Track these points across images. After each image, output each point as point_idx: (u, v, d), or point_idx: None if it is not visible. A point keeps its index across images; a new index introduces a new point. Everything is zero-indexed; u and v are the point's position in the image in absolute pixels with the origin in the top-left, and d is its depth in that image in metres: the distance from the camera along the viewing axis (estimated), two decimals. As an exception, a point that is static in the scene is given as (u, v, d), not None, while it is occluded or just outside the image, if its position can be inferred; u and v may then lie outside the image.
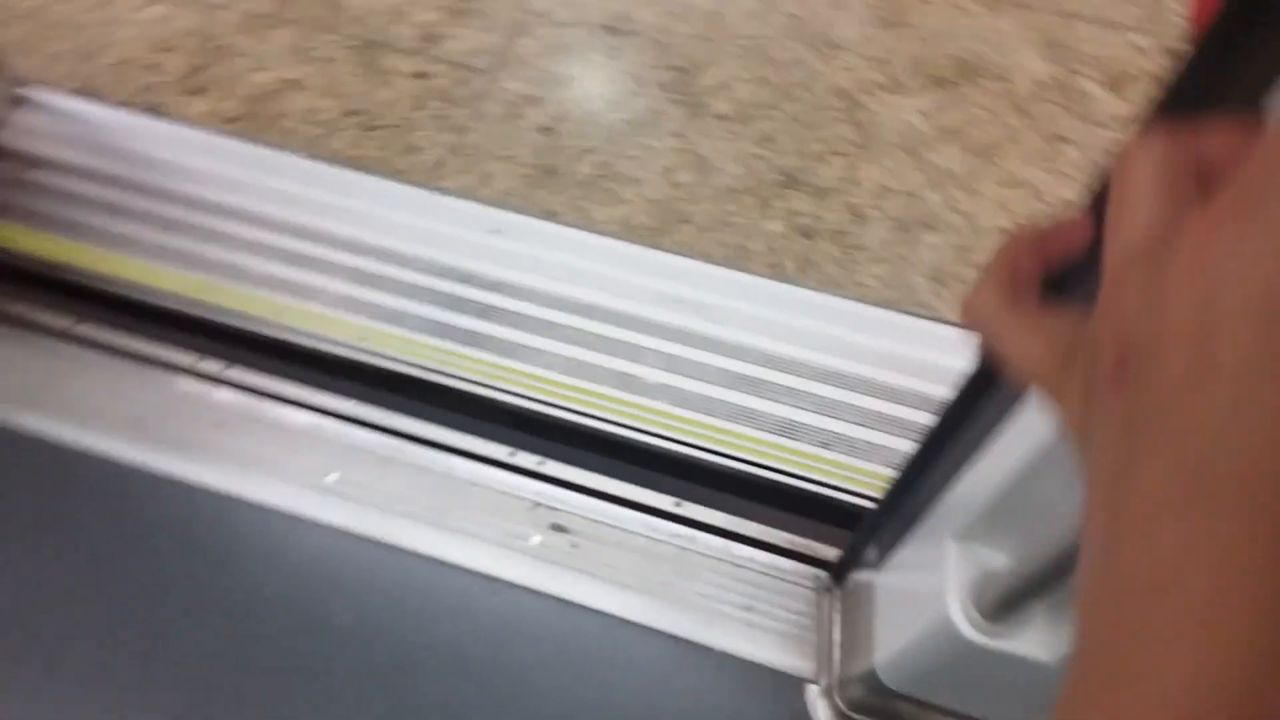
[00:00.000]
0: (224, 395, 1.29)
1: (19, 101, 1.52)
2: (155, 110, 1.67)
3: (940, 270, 1.59)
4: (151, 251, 1.35)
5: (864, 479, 1.26)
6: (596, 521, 1.24)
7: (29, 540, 1.17)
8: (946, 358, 1.36)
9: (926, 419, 1.32)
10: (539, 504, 1.25)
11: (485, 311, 1.34)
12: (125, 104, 1.54)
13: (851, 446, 1.29)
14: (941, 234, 1.63)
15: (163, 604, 1.13)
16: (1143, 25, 1.97)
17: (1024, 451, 0.72)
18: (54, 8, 1.86)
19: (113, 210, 1.39)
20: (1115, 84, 1.87)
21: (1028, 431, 0.72)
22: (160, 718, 1.05)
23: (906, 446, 1.30)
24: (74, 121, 1.51)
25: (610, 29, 1.88)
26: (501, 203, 1.52)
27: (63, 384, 1.29)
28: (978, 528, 0.84)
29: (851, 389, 1.33)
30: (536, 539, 1.21)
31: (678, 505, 1.26)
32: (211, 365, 1.31)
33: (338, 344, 1.30)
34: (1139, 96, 1.85)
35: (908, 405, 1.32)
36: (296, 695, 1.06)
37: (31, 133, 1.49)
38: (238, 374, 1.31)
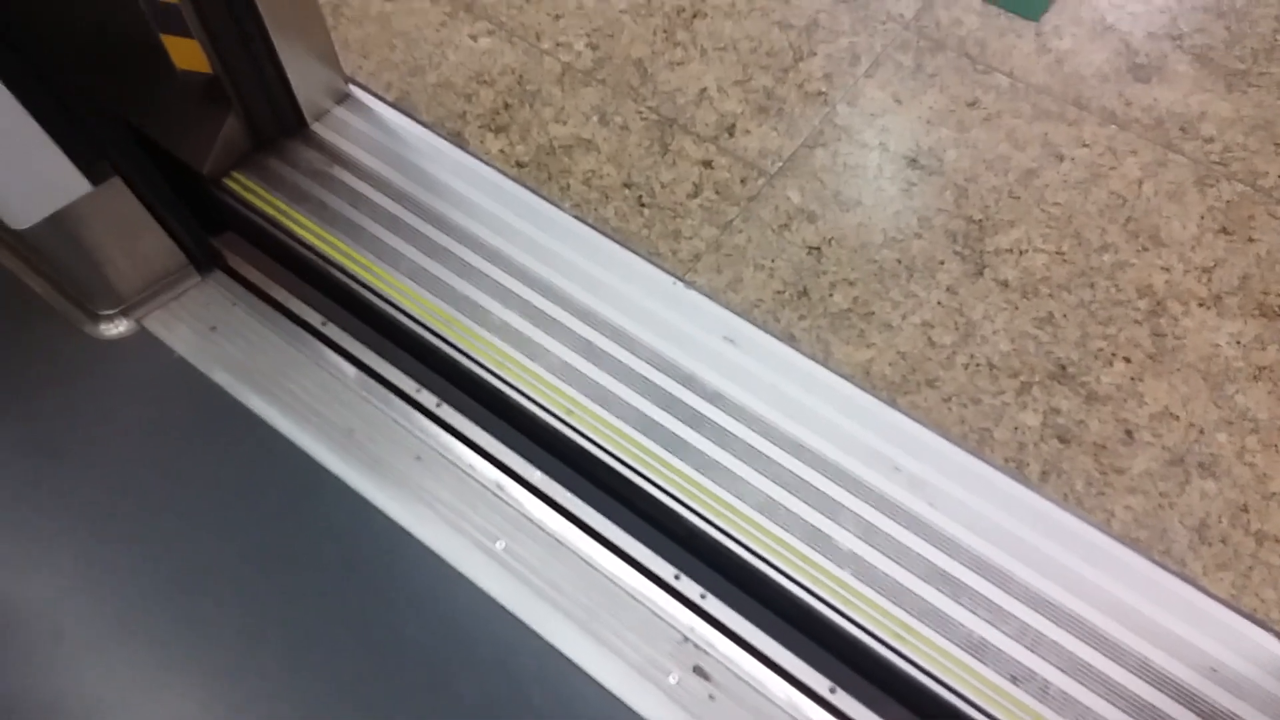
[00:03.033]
0: (431, 430, 1.41)
1: (343, 98, 1.74)
2: (456, 138, 1.86)
3: (1206, 525, 1.46)
4: (413, 272, 1.50)
5: (1048, 733, 1.18)
6: (741, 679, 1.23)
7: (217, 510, 1.32)
8: (1188, 630, 1.24)
9: (1143, 688, 1.22)
10: (688, 639, 1.26)
11: (695, 419, 1.38)
12: (432, 126, 1.72)
13: (1044, 691, 1.21)
14: (1220, 484, 1.50)
15: (310, 612, 1.23)
16: None
17: None
18: (402, 18, 2.12)
19: (393, 224, 1.56)
20: None
21: None
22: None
23: (1108, 711, 1.20)
24: (384, 130, 1.71)
25: (913, 161, 1.89)
26: (745, 312, 1.56)
27: (294, 376, 1.45)
28: None
29: (1064, 626, 1.25)
30: (675, 677, 1.22)
31: (832, 692, 1.23)
32: (428, 397, 1.43)
33: (546, 410, 1.38)
34: None
35: (1125, 667, 1.23)
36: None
37: (345, 130, 1.69)
38: (448, 413, 1.42)
